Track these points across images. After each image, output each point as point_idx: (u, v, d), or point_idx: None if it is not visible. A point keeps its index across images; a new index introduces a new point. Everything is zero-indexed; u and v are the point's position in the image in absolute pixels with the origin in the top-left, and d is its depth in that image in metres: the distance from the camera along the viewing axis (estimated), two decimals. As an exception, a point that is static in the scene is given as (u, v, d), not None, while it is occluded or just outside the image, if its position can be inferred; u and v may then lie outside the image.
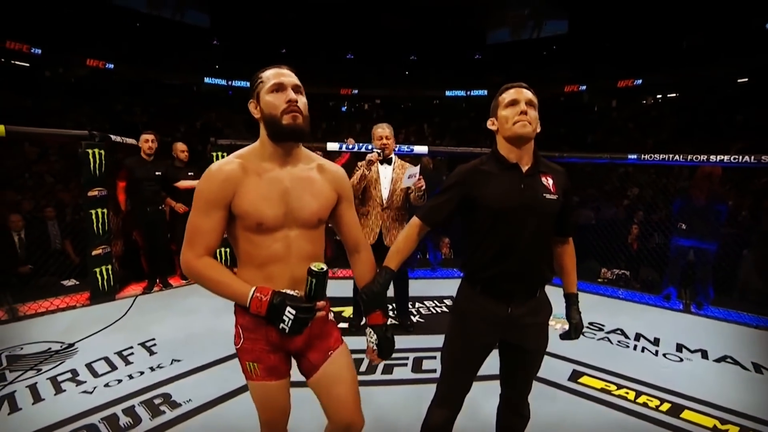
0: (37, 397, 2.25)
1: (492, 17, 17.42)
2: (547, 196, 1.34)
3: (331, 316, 1.36)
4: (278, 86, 1.15)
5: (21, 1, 12.62)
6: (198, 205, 1.15)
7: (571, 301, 1.52)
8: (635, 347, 3.02)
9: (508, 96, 1.34)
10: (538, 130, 1.35)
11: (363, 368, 2.61)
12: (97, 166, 3.40)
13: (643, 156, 3.72)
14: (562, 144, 12.09)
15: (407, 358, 2.75)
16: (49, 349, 2.78)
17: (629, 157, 3.81)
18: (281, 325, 1.10)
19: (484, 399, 1.90)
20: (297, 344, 1.26)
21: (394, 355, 2.68)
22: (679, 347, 3.03)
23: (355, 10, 16.71)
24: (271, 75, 1.16)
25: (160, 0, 15.16)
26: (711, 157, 3.52)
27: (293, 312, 1.09)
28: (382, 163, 3.05)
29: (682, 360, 2.85)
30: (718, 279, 3.94)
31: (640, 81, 14.72)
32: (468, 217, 1.41)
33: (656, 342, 3.11)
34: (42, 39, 13.10)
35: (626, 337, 3.19)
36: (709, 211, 3.70)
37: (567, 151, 4.63)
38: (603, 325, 3.37)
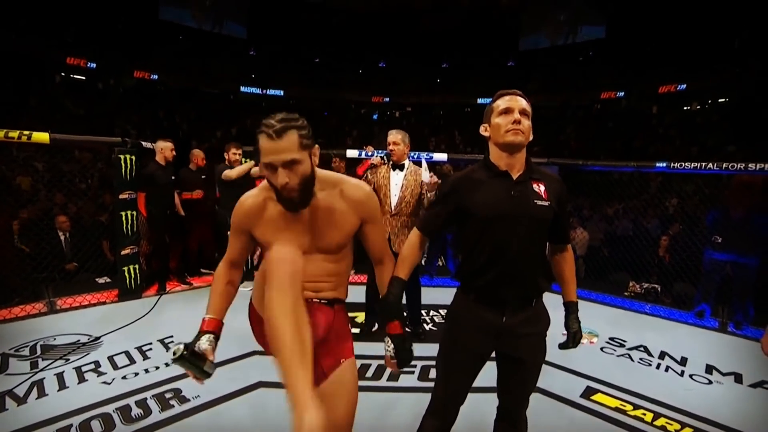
0: (62, 385, 2.40)
1: (525, 23, 17.12)
2: (539, 202, 1.33)
3: (349, 326, 1.41)
4: (270, 166, 1.12)
5: (80, 20, 13.73)
6: (231, 227, 1.33)
7: (570, 310, 1.48)
8: (658, 366, 2.85)
9: (502, 103, 1.35)
10: (531, 138, 1.35)
11: (369, 374, 2.60)
12: (128, 170, 3.63)
13: (672, 164, 3.52)
14: (597, 152, 11.64)
15: (415, 366, 2.71)
16: (78, 341, 2.96)
17: (657, 165, 3.61)
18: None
19: (489, 410, 1.85)
20: (320, 323, 1.29)
21: (401, 362, 2.73)
22: (710, 369, 2.83)
23: (388, 19, 16.93)
24: (262, 149, 1.11)
25: (202, 13, 16.02)
26: (750, 165, 3.29)
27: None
28: (393, 169, 3.06)
29: (711, 383, 2.66)
30: (761, 296, 3.64)
31: (683, 86, 13.96)
32: (460, 225, 1.43)
33: (683, 362, 2.91)
34: (97, 53, 14.14)
35: (649, 354, 3.01)
36: (749, 224, 3.45)
37: (603, 160, 4.48)
38: (624, 341, 3.20)
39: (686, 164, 3.48)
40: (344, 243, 1.29)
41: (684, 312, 3.82)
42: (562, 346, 1.48)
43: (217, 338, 1.31)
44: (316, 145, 1.21)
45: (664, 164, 3.61)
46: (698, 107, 14.70)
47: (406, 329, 3.22)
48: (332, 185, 1.26)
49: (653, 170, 3.79)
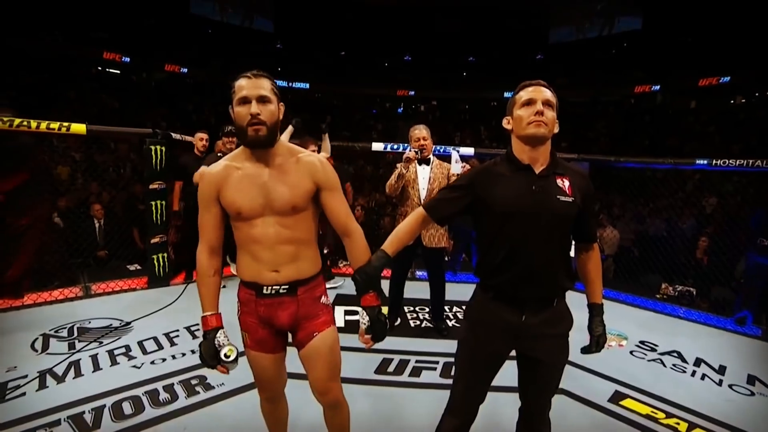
0: (96, 366, 2.51)
1: (554, 15, 16.55)
2: (561, 198, 1.27)
3: (324, 300, 1.44)
4: (244, 99, 1.24)
5: (115, 16, 14.23)
6: (199, 201, 1.36)
7: (595, 312, 1.41)
8: (693, 373, 2.71)
9: (524, 95, 1.29)
10: (556, 131, 1.29)
11: (391, 369, 2.60)
12: (158, 161, 3.73)
13: (715, 161, 3.32)
14: (629, 150, 11.20)
15: (437, 363, 2.69)
16: (111, 325, 3.08)
17: (698, 162, 3.42)
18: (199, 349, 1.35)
19: (510, 411, 1.81)
20: (283, 322, 1.39)
21: (424, 358, 2.71)
22: (752, 379, 2.66)
23: (414, 13, 16.74)
24: (239, 86, 1.26)
25: (231, 8, 16.30)
26: (801, 163, 3.07)
27: (200, 350, 1.35)
28: (420, 164, 3.04)
29: (753, 394, 2.50)
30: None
31: (727, 79, 13.18)
32: (478, 220, 1.39)
33: (721, 370, 2.76)
34: (130, 48, 14.63)
35: (684, 361, 2.86)
36: (798, 226, 3.23)
37: (634, 156, 4.29)
38: (656, 346, 3.06)
39: (730, 161, 3.27)
40: (297, 205, 1.32)
41: (723, 318, 3.62)
42: (585, 350, 1.42)
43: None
44: (283, 104, 1.32)
45: (705, 161, 3.41)
46: (743, 101, 13.90)
47: (426, 323, 3.24)
48: (291, 154, 1.36)
49: (693, 167, 3.59)
